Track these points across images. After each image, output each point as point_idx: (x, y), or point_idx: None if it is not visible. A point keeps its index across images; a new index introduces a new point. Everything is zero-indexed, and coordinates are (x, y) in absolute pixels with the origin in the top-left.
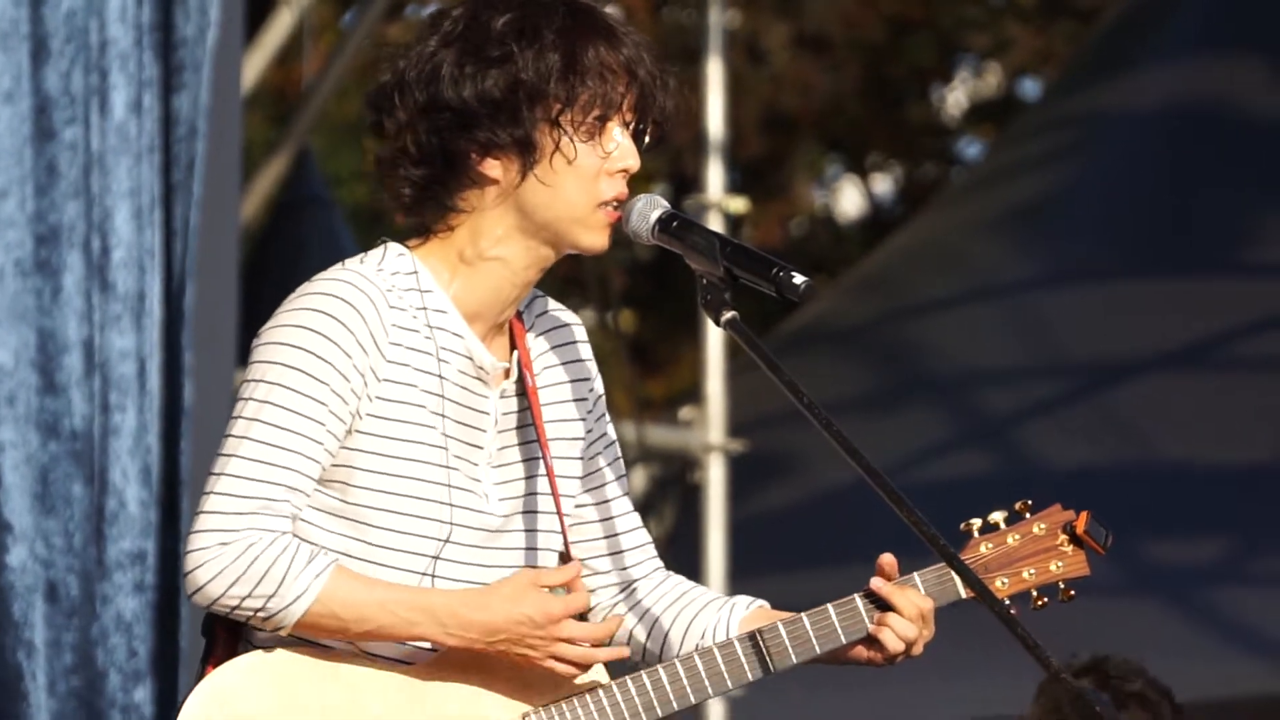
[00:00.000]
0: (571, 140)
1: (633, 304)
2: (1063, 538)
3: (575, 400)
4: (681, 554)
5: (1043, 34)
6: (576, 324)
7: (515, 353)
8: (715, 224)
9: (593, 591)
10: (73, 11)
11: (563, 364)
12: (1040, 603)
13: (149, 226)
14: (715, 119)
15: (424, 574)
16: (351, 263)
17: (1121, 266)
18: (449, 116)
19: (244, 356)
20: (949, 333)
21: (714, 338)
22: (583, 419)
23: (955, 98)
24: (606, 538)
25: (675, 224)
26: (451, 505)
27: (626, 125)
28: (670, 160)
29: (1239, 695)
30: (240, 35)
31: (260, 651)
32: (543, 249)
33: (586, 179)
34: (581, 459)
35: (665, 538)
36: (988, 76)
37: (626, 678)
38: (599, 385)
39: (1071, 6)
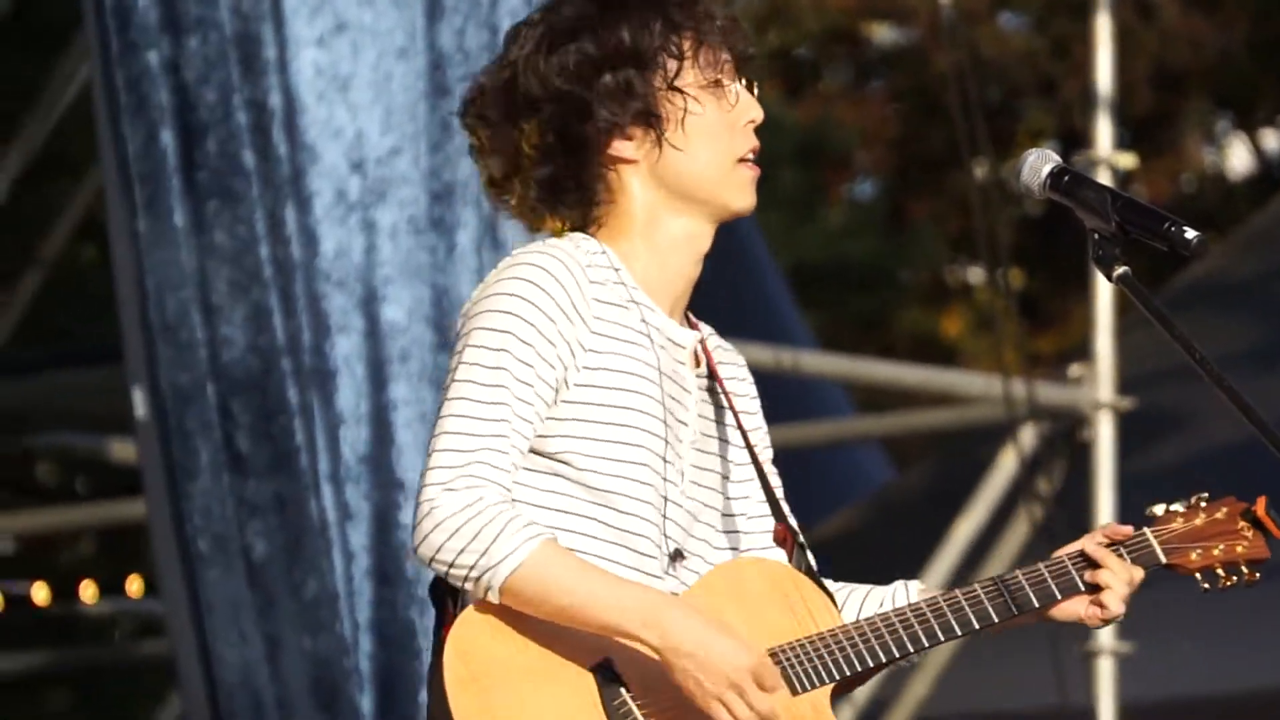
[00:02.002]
0: (694, 99)
1: (1022, 260)
2: (1243, 523)
3: (749, 396)
4: (1071, 512)
5: None
6: (732, 349)
7: (698, 336)
8: (1104, 180)
9: None
10: None
11: (735, 366)
12: (1229, 581)
13: None
14: (1104, 74)
15: (657, 543)
16: (550, 239)
17: None
18: (564, 108)
19: None
20: None
21: (1104, 294)
22: (756, 413)
23: None
24: (762, 531)
25: (1067, 178)
26: (665, 480)
27: (739, 79)
28: (1060, 116)
29: None
30: None
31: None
32: (694, 221)
33: (719, 136)
34: (750, 464)
35: (1054, 495)
36: None
37: (864, 621)
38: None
39: None
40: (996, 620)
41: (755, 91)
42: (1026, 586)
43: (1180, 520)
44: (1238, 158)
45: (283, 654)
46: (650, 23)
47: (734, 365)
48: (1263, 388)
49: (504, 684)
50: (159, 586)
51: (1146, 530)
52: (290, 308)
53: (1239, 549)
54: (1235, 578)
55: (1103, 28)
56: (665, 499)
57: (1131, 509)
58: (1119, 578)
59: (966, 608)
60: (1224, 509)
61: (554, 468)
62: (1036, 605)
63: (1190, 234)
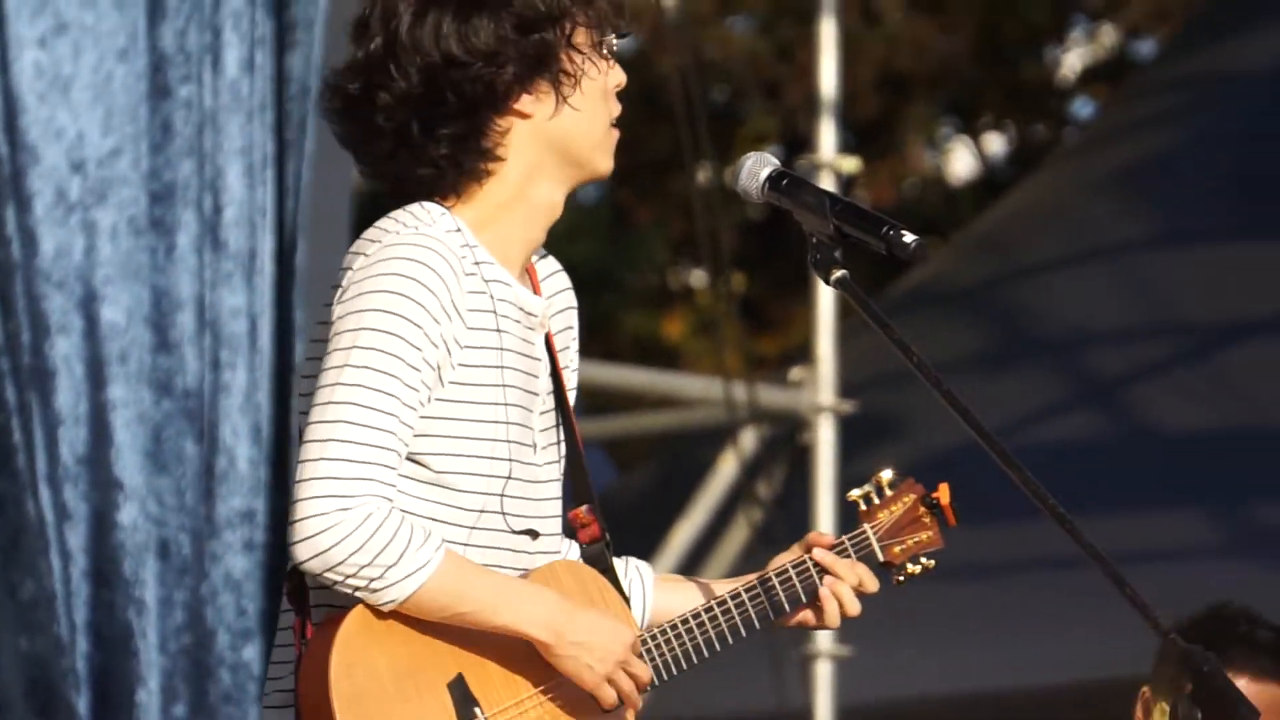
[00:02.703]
0: (588, 60)
1: (743, 264)
2: (923, 509)
3: (567, 349)
4: (791, 515)
5: None
6: (564, 272)
7: (545, 303)
8: (827, 184)
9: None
10: None
11: (561, 310)
12: (914, 571)
13: (261, 184)
14: (828, 79)
15: (472, 528)
16: (422, 224)
17: (1234, 228)
18: (475, 65)
19: None
20: (1060, 294)
21: (825, 298)
22: (574, 369)
23: (1070, 59)
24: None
25: (785, 182)
26: (511, 460)
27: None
28: (783, 120)
29: None
30: None
31: (364, 608)
32: (559, 187)
33: (602, 99)
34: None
35: (774, 499)
36: (1102, 38)
37: (657, 630)
38: (576, 334)
39: None
40: (758, 626)
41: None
42: (780, 590)
43: (885, 513)
44: (961, 162)
45: None
46: None
47: (562, 301)
48: (983, 392)
49: (382, 706)
50: None
51: (867, 527)
52: (9, 308)
53: (923, 537)
54: (917, 568)
55: (827, 32)
56: (508, 479)
57: (852, 513)
58: (848, 580)
59: (750, 608)
60: (910, 495)
61: (414, 470)
62: (787, 609)
63: (909, 238)
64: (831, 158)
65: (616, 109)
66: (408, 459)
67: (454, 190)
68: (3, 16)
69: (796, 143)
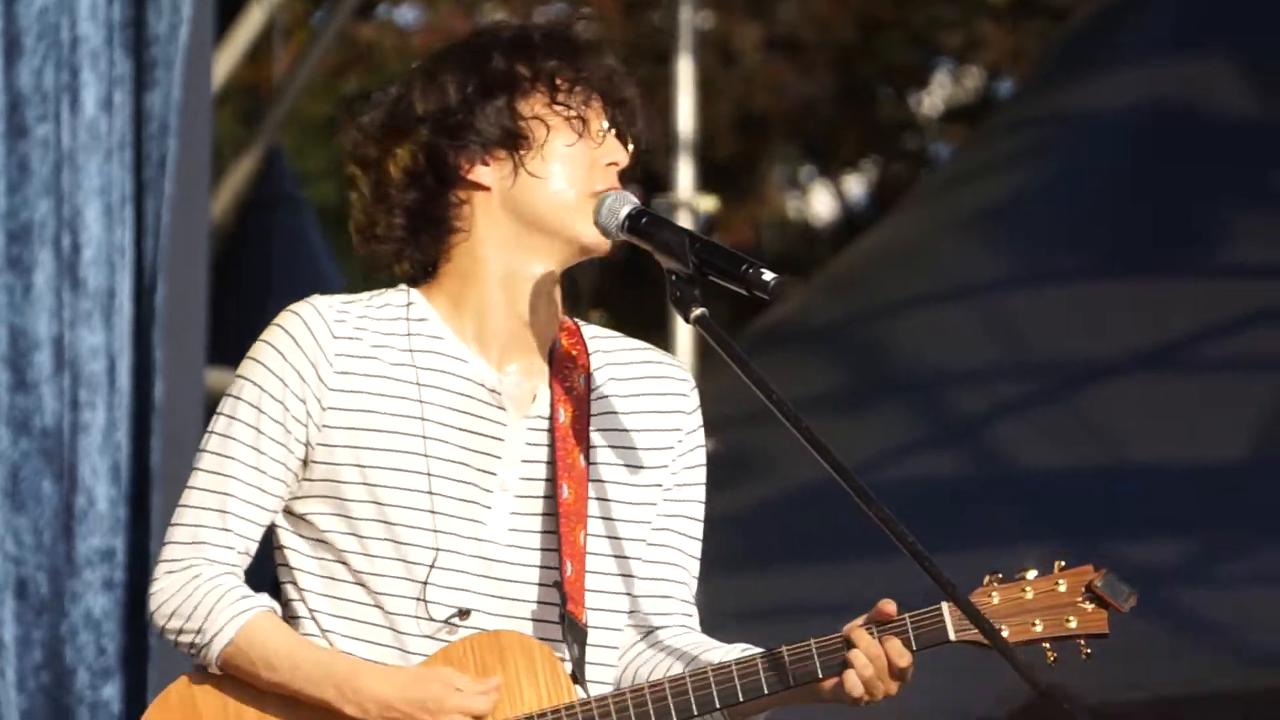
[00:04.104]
0: (558, 129)
1: (602, 302)
2: (1083, 595)
3: (645, 449)
4: None
5: (1015, 33)
6: (680, 379)
7: (550, 385)
8: (685, 223)
9: (617, 630)
10: (45, 9)
11: (640, 412)
12: (1051, 657)
13: (119, 224)
14: (685, 118)
15: (416, 599)
16: (313, 296)
17: (1091, 267)
18: (429, 129)
19: (214, 355)
20: (919, 332)
21: (684, 336)
22: (652, 468)
23: (931, 100)
24: (645, 580)
25: (645, 220)
26: (436, 531)
27: (608, 122)
28: (641, 160)
29: (1203, 692)
30: (211, 33)
31: (192, 673)
32: (542, 256)
33: (578, 169)
34: (640, 504)
35: None
36: (964, 80)
37: (605, 695)
38: (690, 442)
39: (1043, 6)
40: (766, 693)
41: (628, 141)
42: (788, 663)
43: (998, 595)
44: (820, 203)
45: None
46: (523, 54)
47: (648, 415)
48: (842, 430)
49: None
50: None
51: (944, 605)
52: None
53: (1070, 623)
54: (1057, 654)
55: (684, 71)
56: (436, 550)
57: (709, 550)
58: (866, 656)
59: (735, 679)
60: (1065, 580)
61: (304, 529)
62: (792, 683)
63: (768, 276)
64: (690, 196)
65: (601, 182)
66: (299, 517)
67: (425, 270)
68: None
69: (654, 182)
